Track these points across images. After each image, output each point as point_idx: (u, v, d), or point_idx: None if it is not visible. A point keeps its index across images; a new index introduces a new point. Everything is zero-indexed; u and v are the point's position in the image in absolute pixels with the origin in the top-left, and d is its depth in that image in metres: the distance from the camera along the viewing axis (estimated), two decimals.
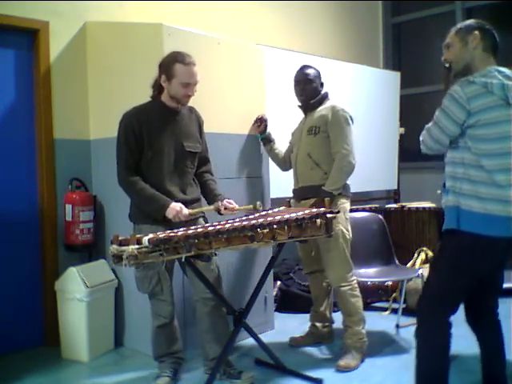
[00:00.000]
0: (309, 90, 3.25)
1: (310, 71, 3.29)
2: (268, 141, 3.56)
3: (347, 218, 3.18)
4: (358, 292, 3.16)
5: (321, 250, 3.19)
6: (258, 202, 2.75)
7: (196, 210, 2.73)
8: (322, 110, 3.21)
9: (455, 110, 2.12)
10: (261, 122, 3.55)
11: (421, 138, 2.32)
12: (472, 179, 2.12)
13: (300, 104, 3.34)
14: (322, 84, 3.33)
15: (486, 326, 2.36)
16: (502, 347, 2.34)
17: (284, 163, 3.54)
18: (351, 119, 3.18)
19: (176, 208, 2.59)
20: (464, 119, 2.11)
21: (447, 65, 2.29)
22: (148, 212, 2.65)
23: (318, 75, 3.32)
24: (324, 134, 3.15)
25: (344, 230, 3.13)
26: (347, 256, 3.14)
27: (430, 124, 2.27)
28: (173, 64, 2.63)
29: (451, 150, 2.22)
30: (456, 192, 2.16)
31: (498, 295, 2.38)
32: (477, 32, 2.22)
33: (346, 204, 3.19)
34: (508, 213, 2.08)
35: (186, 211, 2.61)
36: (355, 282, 3.18)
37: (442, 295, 2.19)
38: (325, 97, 3.28)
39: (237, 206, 2.83)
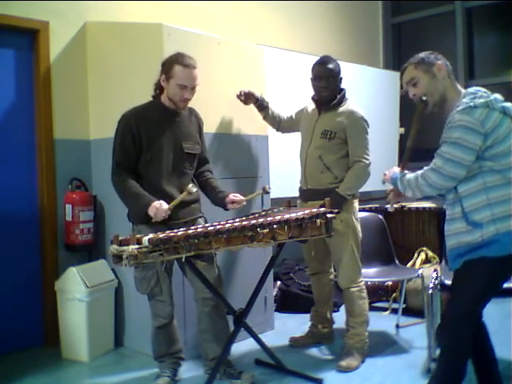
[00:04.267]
0: (333, 86, 3.11)
1: (333, 66, 3.11)
2: (262, 107, 3.43)
3: (357, 218, 3.17)
4: (365, 294, 3.16)
5: (331, 252, 3.20)
6: (267, 186, 2.75)
7: (173, 203, 2.60)
8: (340, 113, 3.10)
9: (471, 138, 2.06)
10: (244, 97, 3.39)
11: (423, 183, 2.19)
12: (502, 199, 2.09)
13: (317, 99, 3.19)
14: (341, 80, 3.19)
15: (476, 330, 2.35)
16: (491, 347, 2.34)
17: (278, 126, 3.49)
18: (368, 125, 3.13)
19: (156, 205, 2.55)
20: (481, 144, 2.08)
21: (424, 98, 2.25)
22: (133, 211, 2.66)
23: (340, 70, 3.16)
24: (339, 140, 3.09)
25: (354, 231, 3.12)
26: (357, 257, 3.13)
27: (433, 165, 2.16)
28: (172, 64, 2.62)
29: (466, 182, 2.14)
30: (495, 219, 2.09)
31: None
32: (440, 62, 2.24)
33: (355, 204, 3.18)
34: None
35: (164, 206, 2.56)
36: (363, 283, 3.18)
37: (474, 310, 2.20)
38: (342, 97, 3.15)
39: (244, 198, 2.84)
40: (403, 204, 5.15)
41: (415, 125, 2.33)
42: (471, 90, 2.18)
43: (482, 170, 2.11)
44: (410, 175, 2.29)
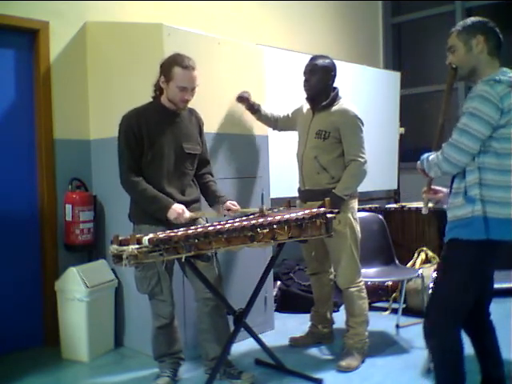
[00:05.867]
0: (314, 82, 3.11)
1: (317, 62, 3.12)
2: (254, 110, 3.45)
3: (355, 218, 3.15)
4: (364, 294, 3.16)
5: (330, 252, 3.19)
6: (265, 206, 2.75)
7: (199, 214, 2.72)
8: (333, 113, 3.09)
9: (489, 110, 2.03)
10: (243, 101, 3.42)
11: (441, 158, 2.13)
12: (490, 184, 2.07)
13: (306, 97, 3.21)
14: (333, 78, 3.14)
15: (480, 328, 2.33)
16: (498, 348, 2.32)
17: (275, 125, 3.50)
18: (362, 123, 3.11)
19: (178, 210, 2.58)
20: (497, 119, 2.04)
21: (454, 66, 2.22)
22: (150, 212, 2.64)
23: (328, 67, 3.12)
24: (334, 140, 3.08)
25: (352, 231, 3.11)
26: (356, 258, 3.13)
27: (451, 140, 2.11)
28: (172, 66, 2.62)
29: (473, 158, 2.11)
30: (484, 200, 2.07)
31: (491, 297, 2.37)
32: (480, 36, 2.17)
33: (354, 204, 3.17)
34: None
35: (187, 214, 2.61)
36: (363, 283, 3.17)
37: (458, 306, 2.16)
38: (335, 96, 3.14)
39: (239, 208, 2.83)
40: (403, 204, 5.16)
41: (446, 94, 2.26)
42: (502, 69, 2.15)
43: (484, 150, 2.08)
44: (435, 154, 2.22)
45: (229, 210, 2.81)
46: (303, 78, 3.17)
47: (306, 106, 3.28)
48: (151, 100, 2.77)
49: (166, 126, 2.70)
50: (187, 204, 2.70)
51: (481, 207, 2.07)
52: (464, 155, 2.08)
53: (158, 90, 2.73)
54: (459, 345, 2.19)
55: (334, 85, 3.20)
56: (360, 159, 3.06)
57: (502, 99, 2.03)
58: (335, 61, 3.25)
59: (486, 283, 2.29)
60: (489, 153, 2.08)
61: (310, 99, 3.20)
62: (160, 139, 2.67)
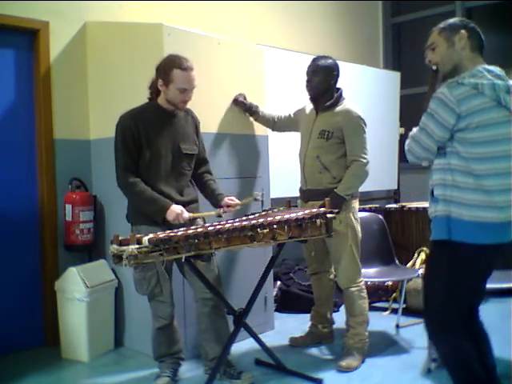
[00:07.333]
0: (316, 82, 3.11)
1: (320, 62, 3.12)
2: (251, 112, 3.47)
3: (356, 219, 3.16)
4: (365, 293, 3.16)
5: (330, 252, 3.19)
6: (256, 192, 2.74)
7: (197, 215, 2.72)
8: (337, 113, 3.09)
9: (443, 113, 2.04)
10: (238, 104, 3.44)
11: (406, 148, 2.23)
12: (459, 186, 2.06)
13: (309, 97, 3.21)
14: (335, 78, 3.15)
15: (472, 330, 2.32)
16: (490, 348, 2.29)
17: (274, 125, 3.50)
18: (365, 124, 3.11)
19: (176, 211, 2.58)
20: (453, 123, 2.03)
21: (434, 67, 2.21)
22: (148, 214, 2.64)
23: (330, 68, 3.12)
24: (336, 140, 3.08)
25: (353, 232, 3.11)
26: (356, 258, 3.13)
27: (414, 131, 2.19)
28: (170, 69, 2.60)
29: (439, 157, 2.14)
30: (447, 200, 2.07)
31: (482, 299, 2.33)
32: (463, 31, 2.14)
33: (355, 204, 3.17)
34: (499, 219, 2.03)
35: (186, 215, 2.60)
36: (363, 283, 3.17)
37: (444, 311, 2.14)
38: (339, 97, 3.14)
39: (238, 202, 2.84)
40: (403, 204, 5.16)
41: (430, 91, 2.25)
42: (480, 67, 2.09)
43: (451, 151, 2.08)
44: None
45: (228, 206, 2.82)
46: (306, 79, 3.17)
47: (310, 107, 3.28)
48: (147, 101, 2.77)
49: (163, 127, 2.69)
50: (185, 204, 2.70)
51: (443, 207, 2.08)
52: (423, 150, 2.15)
53: (154, 92, 2.72)
54: (465, 345, 2.15)
55: (338, 85, 3.20)
56: (362, 160, 3.06)
57: (459, 103, 2.01)
58: None
59: (478, 285, 2.24)
60: (455, 154, 2.08)
61: (313, 99, 3.21)
62: (157, 140, 2.67)
